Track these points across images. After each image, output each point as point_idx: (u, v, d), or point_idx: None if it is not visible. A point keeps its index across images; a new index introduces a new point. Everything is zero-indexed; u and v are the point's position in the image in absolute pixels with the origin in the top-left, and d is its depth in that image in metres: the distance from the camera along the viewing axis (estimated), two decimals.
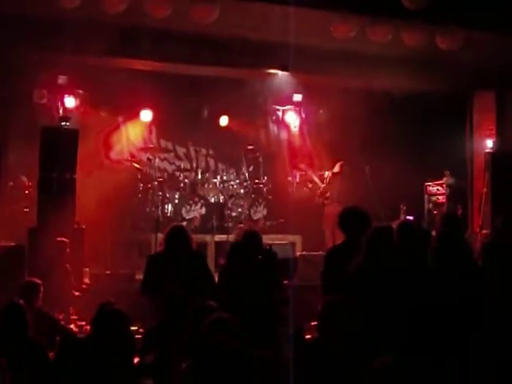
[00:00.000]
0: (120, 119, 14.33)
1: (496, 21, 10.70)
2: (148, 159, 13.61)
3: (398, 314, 6.09)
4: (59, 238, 9.24)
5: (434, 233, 7.91)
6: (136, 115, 14.09)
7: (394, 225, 7.32)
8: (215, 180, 13.67)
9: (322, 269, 7.30)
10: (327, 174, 13.43)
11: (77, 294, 9.31)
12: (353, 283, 6.35)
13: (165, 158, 14.60)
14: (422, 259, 6.93)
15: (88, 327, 8.00)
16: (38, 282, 7.35)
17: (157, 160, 13.62)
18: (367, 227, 6.98)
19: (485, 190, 12.89)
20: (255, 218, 13.35)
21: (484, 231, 12.04)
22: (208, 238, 12.54)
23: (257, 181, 13.79)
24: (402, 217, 12.42)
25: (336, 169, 13.18)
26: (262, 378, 5.60)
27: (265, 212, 13.49)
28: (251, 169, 14.04)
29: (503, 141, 13.68)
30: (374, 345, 5.73)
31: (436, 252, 6.78)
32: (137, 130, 14.64)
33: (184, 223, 12.36)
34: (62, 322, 7.98)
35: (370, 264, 6.37)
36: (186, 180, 13.51)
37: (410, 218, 11.74)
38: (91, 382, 5.61)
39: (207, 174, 13.83)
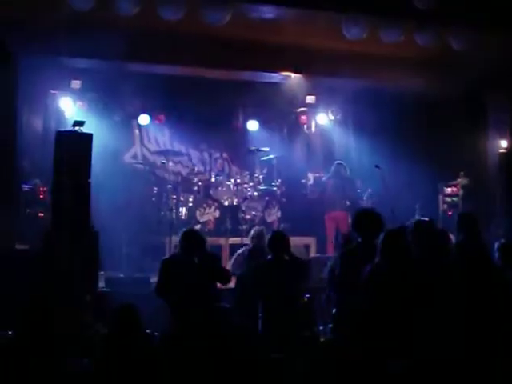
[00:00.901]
0: (134, 123, 14.40)
1: (509, 20, 10.66)
2: (162, 163, 13.64)
3: (413, 316, 6.08)
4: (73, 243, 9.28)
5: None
6: (150, 118, 14.15)
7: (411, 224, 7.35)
8: (229, 183, 13.68)
9: (336, 271, 7.30)
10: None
11: (89, 298, 9.32)
12: (367, 286, 6.34)
13: (178, 161, 14.64)
14: (438, 259, 6.92)
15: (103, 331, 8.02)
16: None
17: (170, 163, 13.64)
18: (381, 229, 6.98)
19: (499, 190, 12.82)
20: (269, 220, 13.36)
21: (499, 231, 11.99)
22: (222, 240, 12.55)
23: (272, 183, 13.81)
24: (416, 217, 12.38)
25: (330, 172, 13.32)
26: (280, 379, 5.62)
27: (279, 214, 13.50)
28: (265, 171, 14.04)
29: None
30: (389, 347, 5.73)
31: (455, 252, 6.77)
32: (150, 133, 14.70)
33: (198, 226, 12.41)
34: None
35: (383, 267, 6.36)
36: (200, 183, 13.53)
37: (426, 218, 11.68)
38: None
39: (221, 177, 13.83)
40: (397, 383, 4.42)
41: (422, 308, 6.08)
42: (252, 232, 9.74)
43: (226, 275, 8.33)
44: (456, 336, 6.10)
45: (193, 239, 7.99)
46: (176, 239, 11.79)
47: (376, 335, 6.00)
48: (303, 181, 14.34)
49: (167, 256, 8.41)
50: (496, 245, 7.83)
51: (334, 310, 7.37)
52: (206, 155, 14.96)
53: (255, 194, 13.62)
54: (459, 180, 13.86)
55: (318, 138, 15.42)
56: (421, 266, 6.52)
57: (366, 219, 7.35)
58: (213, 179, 13.71)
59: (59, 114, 13.02)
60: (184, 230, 8.26)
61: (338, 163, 13.33)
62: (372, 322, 6.08)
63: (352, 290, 6.55)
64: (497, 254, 7.68)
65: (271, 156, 13.94)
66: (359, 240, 7.31)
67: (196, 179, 13.62)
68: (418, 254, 6.77)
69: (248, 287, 8.20)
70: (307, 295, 8.40)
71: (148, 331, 6.87)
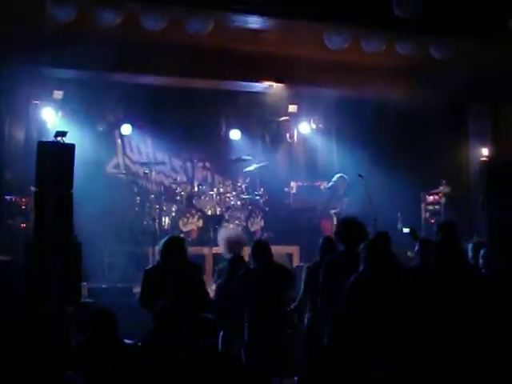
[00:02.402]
0: (116, 133, 14.38)
1: (489, 30, 10.73)
2: (144, 173, 13.62)
3: (397, 320, 6.11)
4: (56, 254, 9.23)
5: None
6: (132, 128, 14.13)
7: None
8: (212, 192, 13.68)
9: (321, 280, 7.31)
10: (323, 184, 13.55)
11: (72, 309, 9.26)
12: (352, 295, 6.36)
13: (161, 171, 14.61)
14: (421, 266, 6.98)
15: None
16: None
17: (153, 173, 13.62)
18: (364, 238, 7.01)
19: (481, 198, 12.88)
20: (252, 229, 13.37)
21: (481, 239, 12.05)
22: (206, 250, 12.52)
23: (255, 192, 13.81)
24: (398, 225, 12.44)
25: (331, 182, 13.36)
26: None
27: (262, 223, 13.51)
28: (248, 180, 14.05)
29: (498, 149, 13.71)
30: (373, 354, 5.75)
31: (434, 260, 6.80)
32: (133, 143, 14.68)
33: (181, 236, 12.38)
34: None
35: (368, 275, 6.39)
36: (183, 193, 13.52)
37: (406, 230, 11.71)
38: None
39: (204, 187, 13.83)
40: None
41: (408, 315, 6.11)
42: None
43: (207, 302, 8.16)
44: (440, 341, 6.14)
45: (174, 248, 7.89)
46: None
47: (360, 342, 6.02)
48: (286, 189, 14.37)
49: (150, 266, 8.35)
50: (469, 246, 7.89)
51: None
52: (188, 165, 14.94)
53: (238, 203, 13.63)
54: (441, 188, 13.92)
55: (300, 146, 15.45)
56: (404, 273, 6.57)
57: (348, 228, 7.38)
58: (196, 189, 13.69)
59: (41, 125, 12.96)
60: (164, 239, 8.15)
61: (340, 176, 13.30)
62: (356, 329, 6.11)
63: (334, 298, 6.58)
64: (470, 254, 7.73)
65: (255, 165, 13.92)
66: (342, 249, 7.33)
67: (179, 189, 13.61)
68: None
69: (231, 296, 8.18)
70: (294, 303, 8.41)
71: (131, 341, 6.87)
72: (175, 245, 7.92)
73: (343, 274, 6.60)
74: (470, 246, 7.81)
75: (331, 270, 7.20)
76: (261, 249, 8.19)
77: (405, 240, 10.78)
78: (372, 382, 5.04)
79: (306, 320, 8.23)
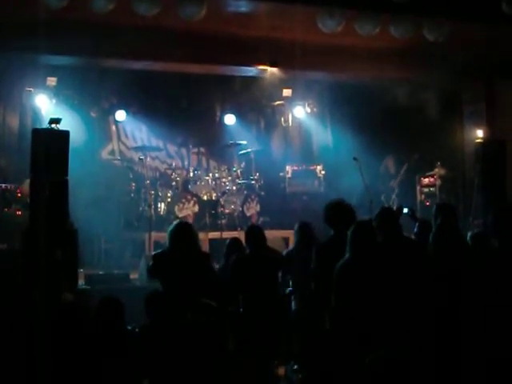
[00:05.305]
0: (110, 119, 14.36)
1: (483, 11, 10.72)
2: (139, 158, 13.61)
3: (388, 307, 6.11)
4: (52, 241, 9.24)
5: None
6: (126, 114, 14.11)
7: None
8: (207, 177, 13.67)
9: (312, 265, 7.30)
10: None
11: (70, 296, 9.28)
12: (340, 283, 6.35)
13: (156, 157, 14.60)
14: (415, 249, 6.97)
15: None
16: None
17: (148, 159, 13.61)
18: (353, 221, 6.98)
19: (476, 179, 12.91)
20: (248, 214, 13.38)
21: (476, 221, 12.08)
22: (202, 235, 12.48)
23: (250, 177, 13.81)
24: (394, 208, 12.45)
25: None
26: None
27: (258, 208, 13.53)
28: (243, 165, 14.05)
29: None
30: (367, 342, 5.75)
31: (432, 242, 6.80)
32: (127, 129, 14.66)
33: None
34: None
35: (354, 262, 6.37)
36: (178, 178, 13.51)
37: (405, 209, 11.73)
38: None
39: (199, 172, 13.82)
40: (377, 379, 4.45)
41: (397, 300, 6.11)
42: None
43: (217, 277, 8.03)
44: (435, 325, 6.14)
45: (184, 235, 7.67)
46: (155, 235, 11.86)
47: (354, 331, 6.04)
48: (281, 174, 14.38)
49: (159, 251, 8.15)
50: (468, 235, 7.88)
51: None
52: (183, 150, 14.93)
53: (234, 188, 13.62)
54: (436, 170, 13.97)
55: (295, 130, 15.46)
56: (392, 257, 6.55)
57: (336, 211, 7.34)
58: (191, 174, 13.67)
59: (35, 112, 12.94)
60: (175, 224, 7.93)
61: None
62: (349, 318, 6.12)
63: (326, 283, 6.56)
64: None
65: (249, 150, 13.94)
66: (332, 233, 7.30)
67: (174, 174, 13.60)
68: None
69: (227, 281, 8.16)
70: (289, 289, 8.41)
71: (129, 327, 6.89)
72: (182, 231, 7.64)
73: (334, 258, 6.58)
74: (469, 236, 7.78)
75: (321, 254, 7.19)
76: (254, 234, 8.18)
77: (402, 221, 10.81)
78: (365, 368, 5.05)
79: (295, 305, 8.23)
